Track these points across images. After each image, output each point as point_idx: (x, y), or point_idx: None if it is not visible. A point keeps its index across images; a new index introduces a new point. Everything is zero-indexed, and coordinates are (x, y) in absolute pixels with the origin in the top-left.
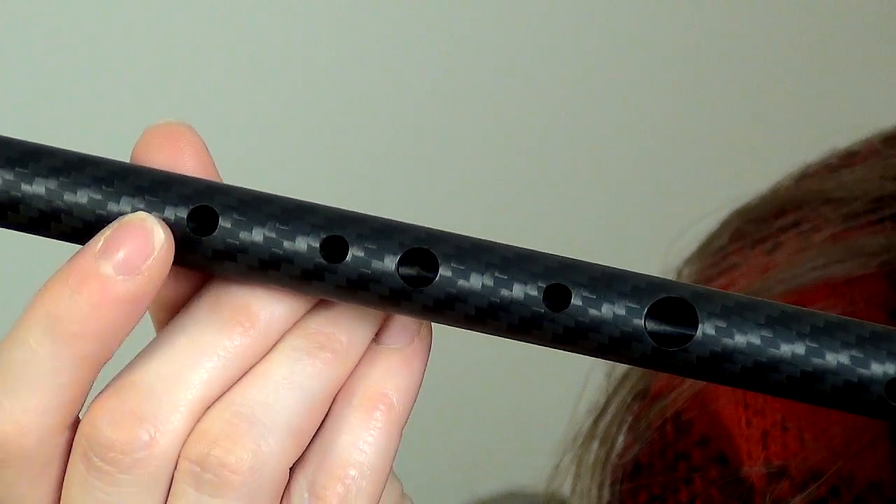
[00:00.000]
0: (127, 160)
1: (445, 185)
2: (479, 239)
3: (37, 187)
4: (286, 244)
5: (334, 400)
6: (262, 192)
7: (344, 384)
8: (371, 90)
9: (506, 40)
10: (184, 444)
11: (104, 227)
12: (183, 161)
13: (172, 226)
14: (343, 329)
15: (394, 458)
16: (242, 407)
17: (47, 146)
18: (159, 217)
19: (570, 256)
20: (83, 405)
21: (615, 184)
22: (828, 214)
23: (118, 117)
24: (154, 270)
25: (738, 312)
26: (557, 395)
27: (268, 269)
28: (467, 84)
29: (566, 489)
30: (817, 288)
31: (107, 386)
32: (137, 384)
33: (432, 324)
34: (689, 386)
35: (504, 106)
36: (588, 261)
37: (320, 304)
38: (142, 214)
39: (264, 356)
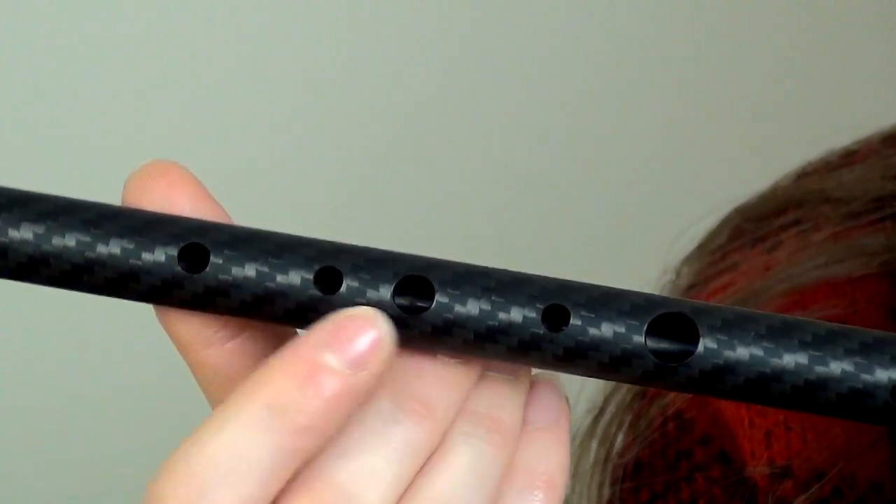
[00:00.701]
0: (123, 163)
1: (445, 186)
2: (474, 265)
3: (24, 232)
4: (279, 278)
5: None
6: (253, 229)
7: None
8: (370, 93)
9: (502, 42)
10: None
11: (93, 270)
12: (180, 192)
13: (164, 266)
14: (503, 408)
15: None
16: (435, 499)
17: (35, 192)
18: (378, 311)
19: (566, 278)
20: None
21: (614, 183)
22: (828, 213)
23: (118, 117)
24: (382, 366)
25: (738, 325)
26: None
27: (262, 304)
28: (465, 86)
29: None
30: (818, 287)
31: (294, 485)
32: (332, 481)
33: None
34: None
35: (502, 106)
36: (586, 282)
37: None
38: (368, 309)
39: (442, 445)
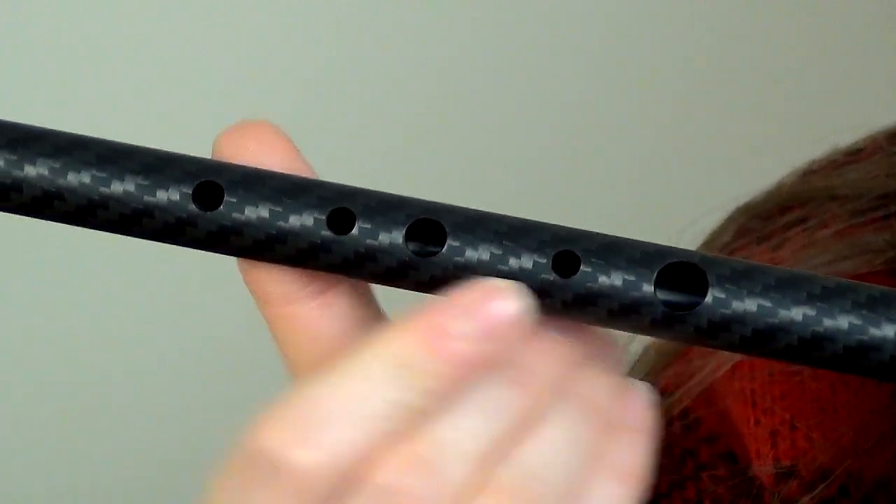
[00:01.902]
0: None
1: (444, 186)
2: (487, 212)
3: (39, 168)
4: (292, 218)
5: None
6: (268, 170)
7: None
8: (371, 90)
9: (503, 38)
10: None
11: (108, 207)
12: (273, 147)
13: (176, 204)
14: (602, 396)
15: None
16: (528, 465)
17: (45, 128)
18: (520, 284)
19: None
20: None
21: (618, 181)
22: (833, 211)
23: (118, 117)
24: (514, 339)
25: (747, 275)
26: None
27: (275, 244)
28: (466, 83)
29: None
30: None
31: (394, 435)
32: (432, 434)
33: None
34: (697, 383)
35: (504, 103)
36: (597, 231)
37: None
38: (505, 282)
39: (541, 417)
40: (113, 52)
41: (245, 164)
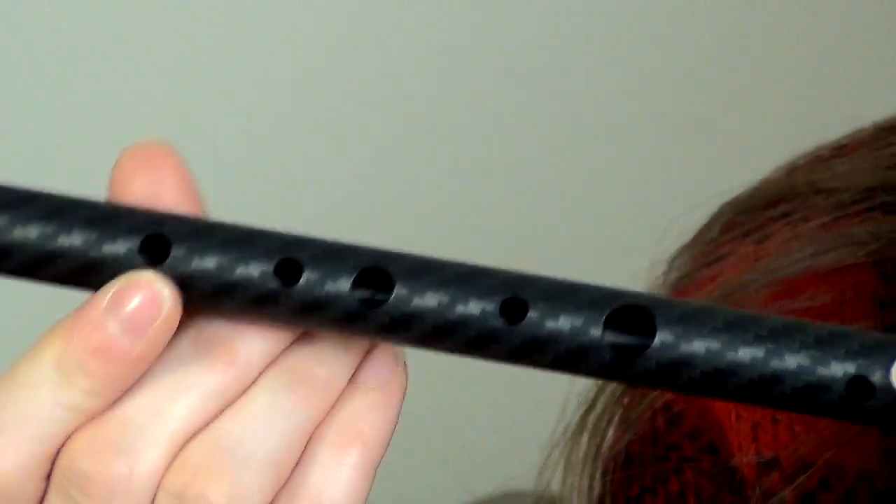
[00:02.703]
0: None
1: (442, 185)
2: (434, 258)
3: None
4: (240, 269)
5: (310, 437)
6: (215, 220)
7: (320, 422)
8: (369, 93)
9: (500, 40)
10: (163, 476)
11: (52, 261)
12: (163, 186)
13: (125, 259)
14: (322, 364)
15: (367, 497)
16: (221, 440)
17: None
18: (166, 279)
19: (526, 272)
20: None
21: (605, 179)
22: (818, 204)
23: (119, 117)
24: (160, 333)
25: (695, 318)
26: (556, 393)
27: (222, 296)
28: (462, 85)
29: (558, 486)
30: (806, 278)
31: (88, 419)
32: (118, 416)
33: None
34: None
35: (496, 102)
36: (545, 275)
37: (300, 340)
38: (150, 274)
39: (245, 391)
40: (112, 52)
41: (139, 191)
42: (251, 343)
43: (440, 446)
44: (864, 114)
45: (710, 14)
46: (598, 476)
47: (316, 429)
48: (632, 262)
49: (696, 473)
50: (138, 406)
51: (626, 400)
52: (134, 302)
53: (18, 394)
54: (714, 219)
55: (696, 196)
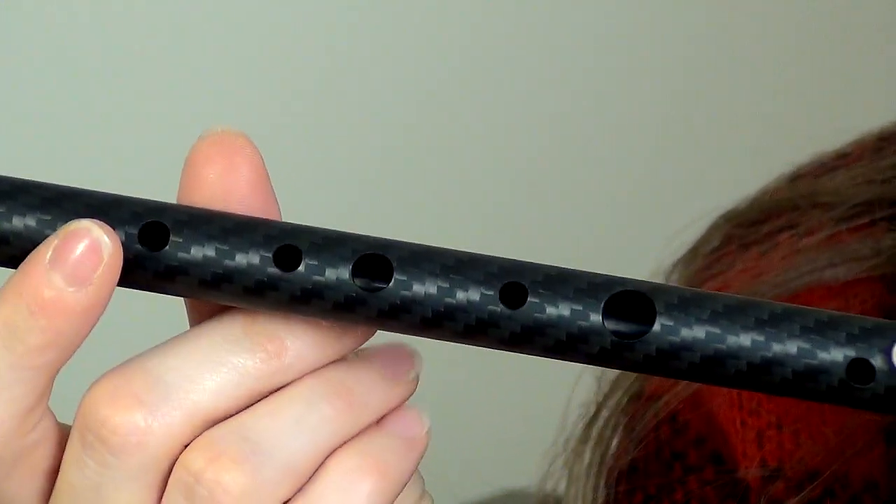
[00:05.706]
0: (124, 163)
1: (442, 185)
2: (433, 246)
3: None
4: (239, 256)
5: (334, 452)
6: (214, 210)
7: (348, 442)
8: (369, 92)
9: (499, 40)
10: (184, 451)
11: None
12: (237, 175)
13: (122, 241)
14: (363, 387)
15: None
16: (251, 431)
17: None
18: (104, 224)
19: (527, 260)
20: (48, 401)
21: (607, 186)
22: (820, 217)
23: (119, 117)
24: (104, 280)
25: (694, 303)
26: (555, 395)
27: (222, 282)
28: (461, 86)
29: (561, 489)
30: (813, 289)
31: (117, 366)
32: (148, 370)
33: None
34: (684, 387)
35: (498, 107)
36: (544, 263)
37: (345, 360)
38: (87, 222)
39: (279, 389)
40: (112, 52)
41: (213, 179)
42: (302, 344)
43: (437, 450)
44: (865, 122)
45: (711, 19)
46: (602, 486)
47: (343, 448)
48: (633, 272)
49: (701, 482)
50: (170, 367)
51: (630, 409)
52: (76, 252)
53: None
54: (711, 230)
55: (695, 209)
